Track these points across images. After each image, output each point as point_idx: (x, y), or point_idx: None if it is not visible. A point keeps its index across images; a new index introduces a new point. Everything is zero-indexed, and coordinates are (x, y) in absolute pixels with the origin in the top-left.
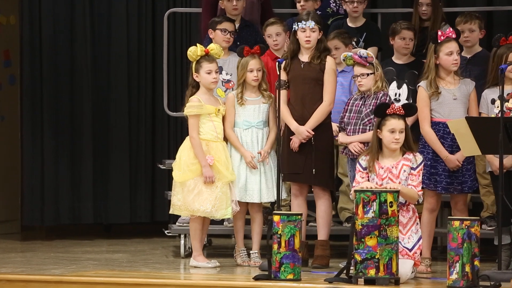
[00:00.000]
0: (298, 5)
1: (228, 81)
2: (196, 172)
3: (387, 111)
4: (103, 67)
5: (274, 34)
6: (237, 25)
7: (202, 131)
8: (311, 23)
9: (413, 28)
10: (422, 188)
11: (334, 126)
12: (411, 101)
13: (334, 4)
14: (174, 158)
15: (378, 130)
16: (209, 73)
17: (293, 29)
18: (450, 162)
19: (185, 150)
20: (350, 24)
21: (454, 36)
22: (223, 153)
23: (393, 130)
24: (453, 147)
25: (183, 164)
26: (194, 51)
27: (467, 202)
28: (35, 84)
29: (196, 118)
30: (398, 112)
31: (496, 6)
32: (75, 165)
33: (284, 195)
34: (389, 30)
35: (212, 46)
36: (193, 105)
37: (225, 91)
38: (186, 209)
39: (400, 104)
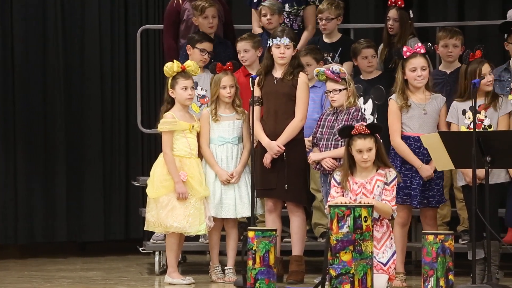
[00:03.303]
0: (264, 19)
1: (203, 96)
2: (169, 188)
3: (352, 132)
4: (76, 84)
5: (242, 50)
6: None
7: (176, 147)
8: (285, 40)
9: (373, 45)
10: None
11: (307, 142)
12: (376, 115)
13: (288, 20)
14: (149, 175)
15: (350, 147)
16: (184, 89)
17: (268, 45)
18: (425, 171)
19: (158, 167)
20: (325, 40)
21: (422, 51)
22: (197, 169)
23: (360, 150)
24: (424, 162)
25: (157, 180)
26: (171, 67)
27: (437, 216)
28: (7, 101)
29: (170, 134)
30: (363, 132)
31: (467, 21)
32: (49, 182)
33: (259, 211)
34: (350, 52)
35: (188, 63)
36: (167, 121)
37: (199, 106)
38: (160, 225)
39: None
